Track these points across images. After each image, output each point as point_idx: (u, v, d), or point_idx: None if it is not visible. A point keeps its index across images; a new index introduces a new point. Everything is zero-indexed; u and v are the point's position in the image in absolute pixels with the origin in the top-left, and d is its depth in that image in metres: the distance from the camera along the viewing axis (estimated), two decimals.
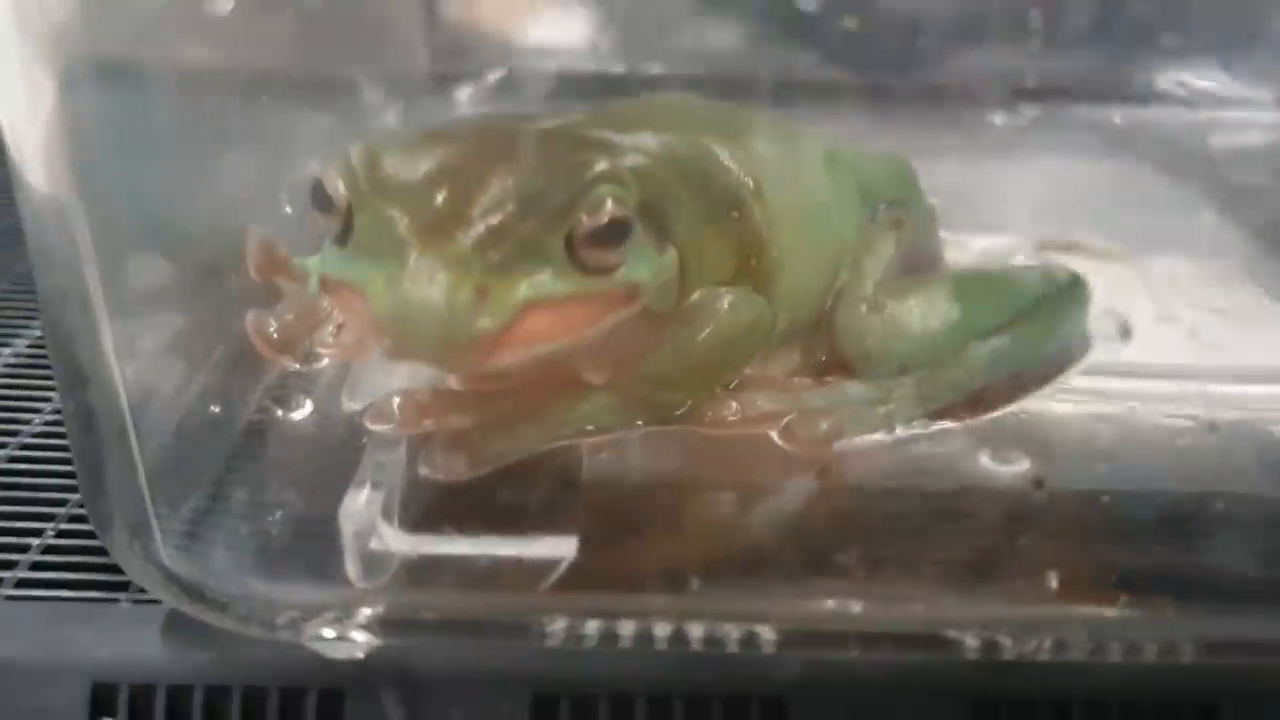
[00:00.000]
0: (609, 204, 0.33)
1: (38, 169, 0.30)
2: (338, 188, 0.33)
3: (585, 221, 0.33)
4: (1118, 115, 0.64)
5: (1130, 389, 0.41)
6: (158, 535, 0.30)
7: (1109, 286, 0.42)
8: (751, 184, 0.39)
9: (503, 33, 0.63)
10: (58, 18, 0.30)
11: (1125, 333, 0.39)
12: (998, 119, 0.62)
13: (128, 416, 0.31)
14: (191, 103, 0.40)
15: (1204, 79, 0.56)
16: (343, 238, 0.34)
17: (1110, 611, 0.31)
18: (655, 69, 0.64)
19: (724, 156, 0.39)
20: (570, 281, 0.33)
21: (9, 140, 0.30)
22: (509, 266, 0.32)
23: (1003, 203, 0.60)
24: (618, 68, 0.60)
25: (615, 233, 0.33)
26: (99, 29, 0.33)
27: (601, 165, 0.34)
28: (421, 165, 0.33)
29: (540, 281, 0.32)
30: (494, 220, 0.32)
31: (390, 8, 0.61)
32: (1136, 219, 0.59)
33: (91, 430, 0.30)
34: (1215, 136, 0.62)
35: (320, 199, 0.34)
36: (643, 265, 0.35)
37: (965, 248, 0.51)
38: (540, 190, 0.33)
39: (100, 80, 0.33)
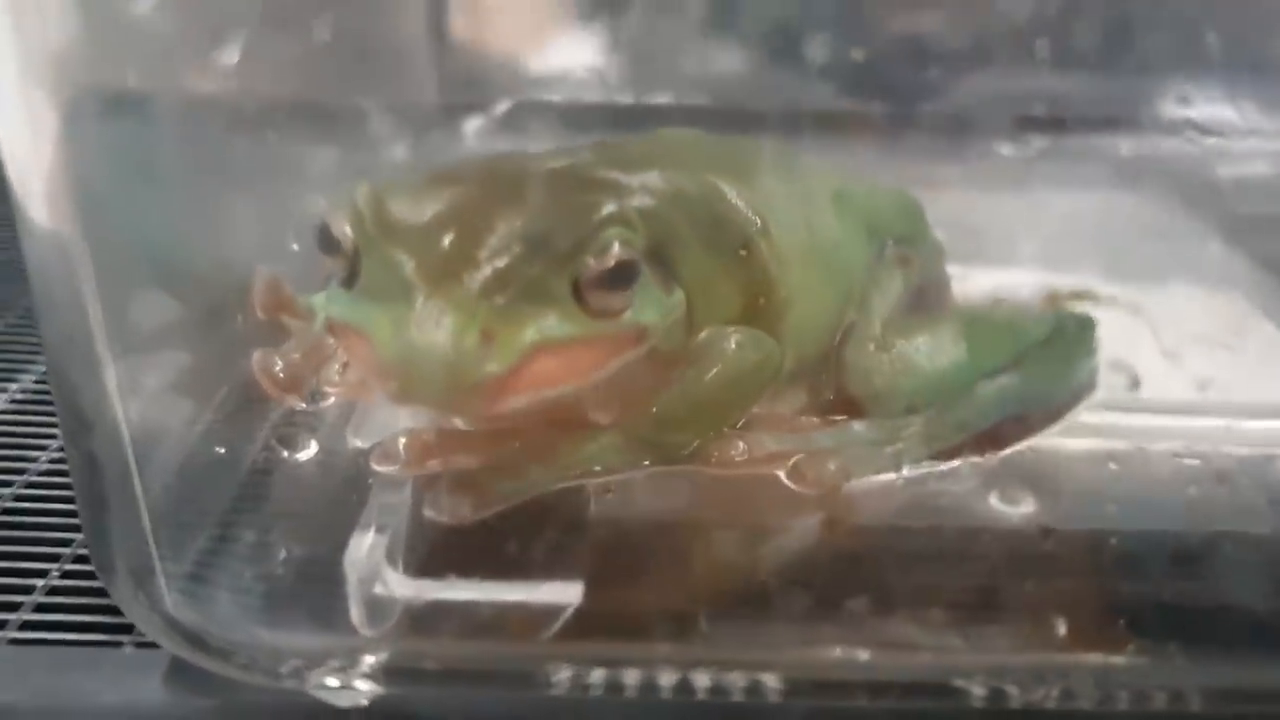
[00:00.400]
0: (616, 247, 0.33)
1: (40, 203, 0.30)
2: (344, 230, 0.33)
3: (592, 265, 0.33)
4: (1126, 145, 0.63)
5: (1138, 426, 0.41)
6: (161, 582, 0.30)
7: (1117, 336, 0.42)
8: (759, 222, 0.39)
9: (511, 63, 0.64)
10: (60, 46, 0.30)
11: (1134, 384, 0.39)
12: (1005, 149, 0.62)
13: (132, 460, 0.31)
14: (197, 135, 0.40)
15: (1212, 109, 0.56)
16: (349, 280, 0.34)
17: (1118, 659, 0.30)
18: (662, 99, 0.65)
19: (731, 195, 0.39)
20: (577, 324, 0.33)
21: (11, 173, 0.29)
22: (515, 310, 0.32)
23: (1010, 234, 0.60)
24: (625, 98, 0.60)
25: (622, 276, 0.33)
26: (101, 59, 0.33)
27: (608, 208, 0.34)
28: (427, 208, 0.33)
29: (547, 325, 0.32)
30: (500, 263, 0.32)
31: (399, 39, 0.62)
32: (1145, 250, 0.59)
33: (95, 475, 0.30)
34: (1223, 166, 0.61)
35: (326, 241, 0.34)
36: (650, 307, 0.34)
37: (973, 281, 0.51)
38: (547, 233, 0.33)
39: (104, 113, 0.33)
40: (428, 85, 0.64)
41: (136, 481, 0.31)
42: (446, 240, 0.32)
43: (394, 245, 0.32)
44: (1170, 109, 0.59)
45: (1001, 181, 0.63)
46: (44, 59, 0.30)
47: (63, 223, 0.30)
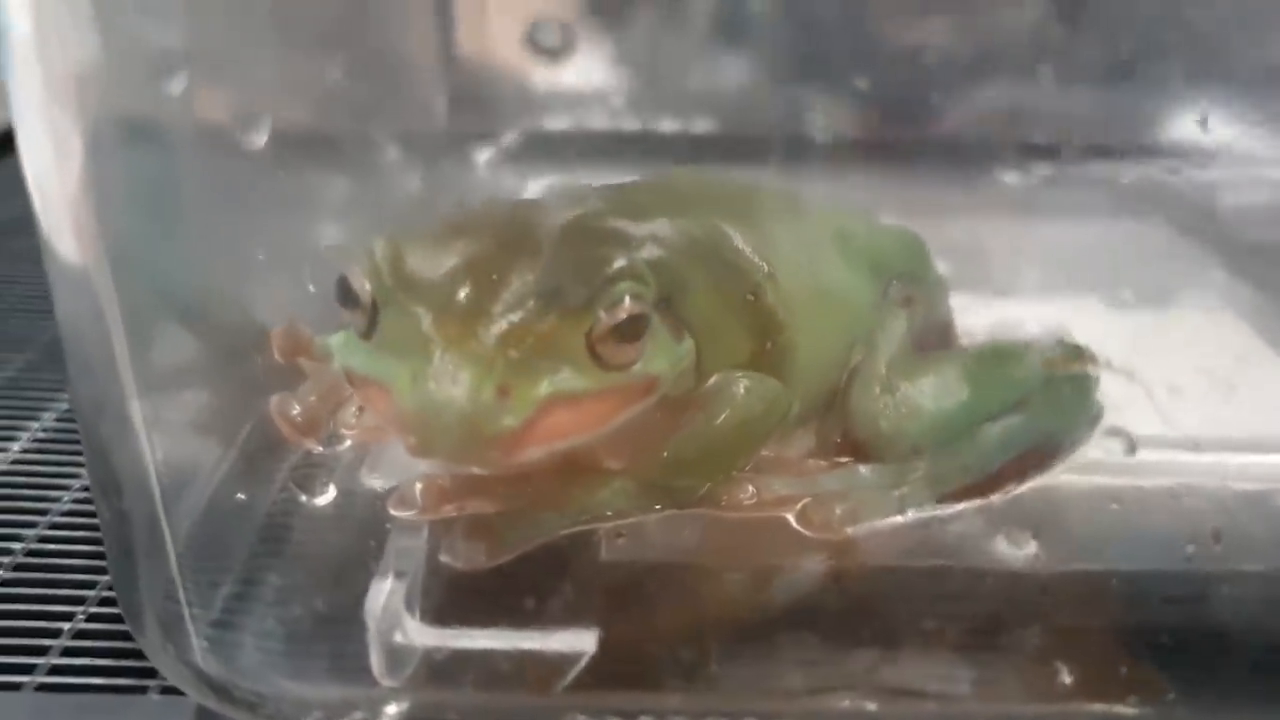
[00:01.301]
0: (627, 301, 0.34)
1: (67, 236, 0.30)
2: (362, 284, 0.34)
3: (604, 319, 0.33)
4: (1130, 173, 0.64)
5: (1142, 463, 0.42)
6: (190, 633, 0.31)
7: (1114, 400, 0.42)
8: (766, 267, 0.40)
9: (518, 92, 0.64)
10: (84, 76, 0.31)
11: (1131, 449, 0.39)
12: (1009, 177, 0.63)
13: (160, 509, 0.32)
14: (215, 167, 0.41)
15: (1216, 136, 0.57)
16: (368, 332, 0.34)
17: (1123, 709, 0.31)
18: (668, 126, 0.65)
19: (739, 240, 0.40)
20: (590, 377, 0.33)
21: (38, 206, 0.30)
22: (530, 364, 0.32)
23: (1014, 263, 0.61)
24: (631, 125, 0.61)
25: (633, 329, 0.34)
26: (123, 87, 0.33)
27: (619, 262, 0.34)
28: (444, 261, 0.34)
29: (561, 378, 0.33)
30: (515, 318, 0.33)
31: (409, 68, 0.63)
32: (1147, 277, 0.60)
33: (123, 525, 0.31)
34: (1227, 194, 0.62)
35: (345, 294, 0.35)
36: (661, 357, 0.35)
37: (977, 313, 0.52)
38: (560, 288, 0.33)
39: (126, 143, 0.34)
40: (437, 114, 0.65)
41: (166, 530, 0.32)
42: (462, 295, 0.33)
43: (412, 299, 0.33)
44: (1173, 135, 0.59)
45: (1005, 209, 0.64)
46: (69, 88, 0.30)
47: (89, 256, 0.30)
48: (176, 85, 0.37)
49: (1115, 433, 0.38)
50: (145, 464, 0.30)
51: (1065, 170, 0.64)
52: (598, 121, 0.59)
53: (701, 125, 0.67)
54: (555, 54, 0.38)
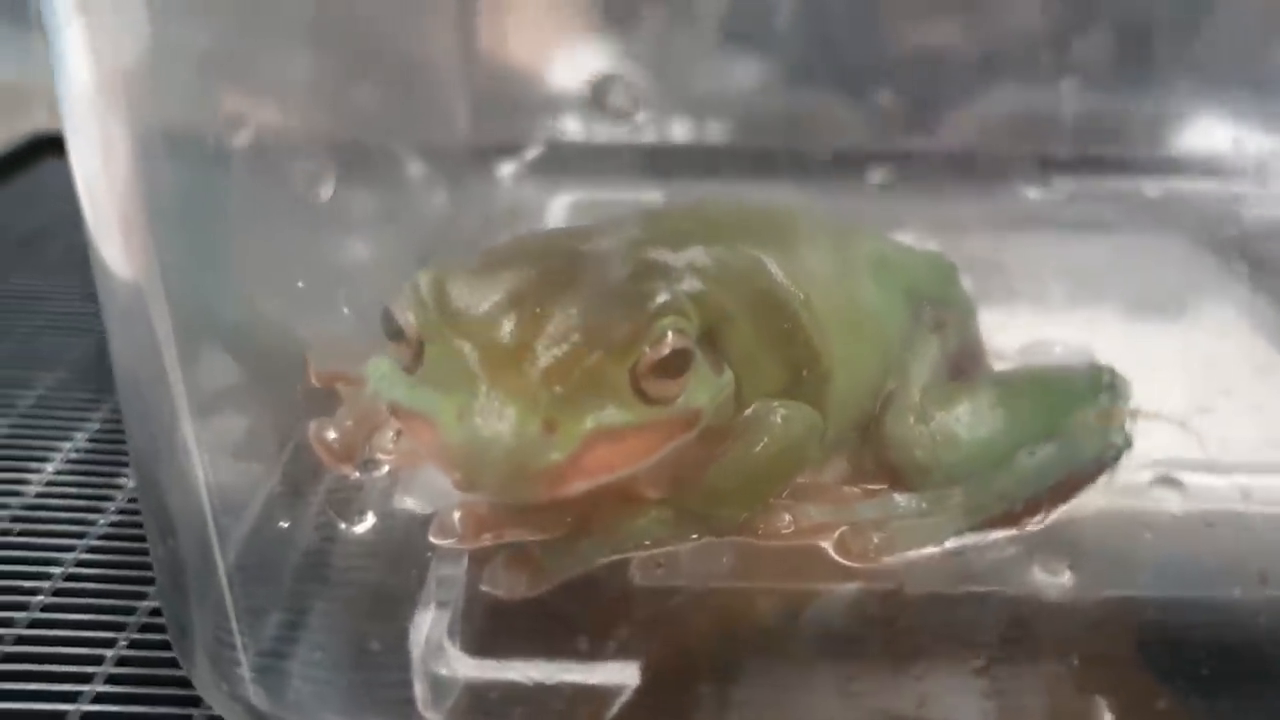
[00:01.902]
0: (670, 336, 0.34)
1: (117, 249, 0.30)
2: (407, 319, 0.35)
3: (648, 354, 0.34)
4: (1152, 188, 0.64)
5: (1178, 488, 0.42)
6: (243, 670, 0.31)
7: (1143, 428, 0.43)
8: (803, 295, 0.40)
9: (541, 106, 0.65)
10: (136, 88, 0.31)
11: (1186, 497, 0.40)
12: (1031, 192, 0.63)
13: (215, 540, 0.32)
14: (258, 183, 0.41)
15: (1238, 150, 0.57)
16: (413, 365, 0.35)
17: None
18: (687, 137, 0.66)
19: (775, 269, 0.40)
20: (634, 412, 0.34)
21: (89, 221, 0.30)
22: (575, 400, 0.33)
23: (1036, 279, 0.61)
24: (652, 137, 0.61)
25: (677, 363, 0.34)
26: (167, 97, 0.33)
27: (663, 296, 0.35)
28: (488, 295, 0.34)
29: (606, 414, 0.33)
30: (559, 354, 0.33)
31: (434, 85, 0.63)
32: (1170, 293, 0.60)
33: (182, 569, 0.31)
34: (1249, 208, 0.62)
35: (390, 328, 0.35)
36: (702, 390, 0.35)
37: (1000, 330, 0.52)
38: (604, 323, 0.34)
39: (173, 153, 0.34)
40: (461, 129, 0.65)
41: (220, 566, 0.32)
42: (507, 330, 0.33)
43: (456, 334, 0.34)
44: (1195, 150, 0.59)
45: (1026, 224, 0.64)
46: (120, 94, 0.30)
47: (140, 268, 0.30)
48: (219, 97, 0.37)
49: (1169, 482, 0.39)
50: (200, 493, 0.30)
51: (1087, 185, 0.64)
52: (620, 134, 0.59)
53: (718, 137, 0.67)
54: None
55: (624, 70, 0.54)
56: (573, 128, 0.62)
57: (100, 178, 0.29)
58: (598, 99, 0.38)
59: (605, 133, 0.57)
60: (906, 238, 0.54)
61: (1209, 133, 0.59)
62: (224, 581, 0.31)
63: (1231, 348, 0.58)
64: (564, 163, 0.63)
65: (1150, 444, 0.42)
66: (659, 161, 0.61)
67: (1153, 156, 0.63)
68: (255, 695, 0.31)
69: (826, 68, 0.60)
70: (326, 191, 0.38)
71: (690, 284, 0.37)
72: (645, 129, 0.60)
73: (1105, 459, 0.43)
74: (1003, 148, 0.61)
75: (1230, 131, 0.57)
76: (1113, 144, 0.63)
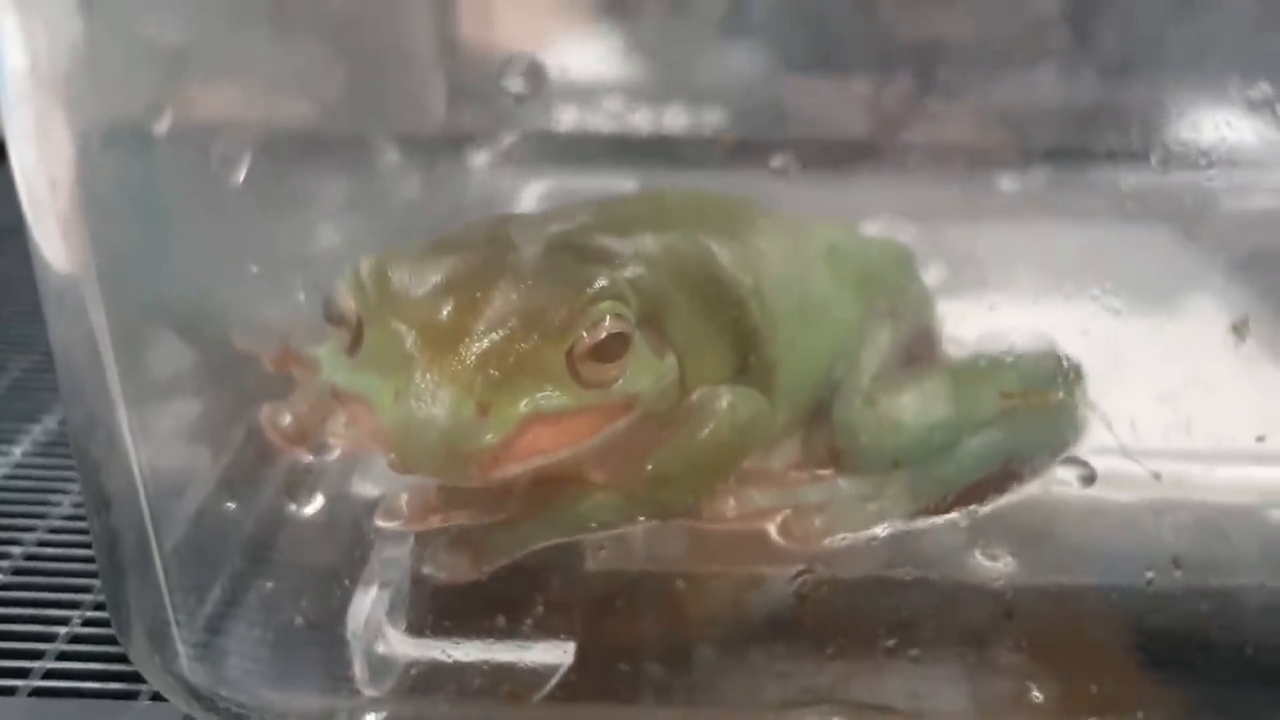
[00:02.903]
0: (608, 320, 0.34)
1: (56, 242, 0.31)
2: (348, 302, 0.35)
3: (585, 338, 0.34)
4: (1130, 178, 0.64)
5: (1124, 475, 0.42)
6: (177, 644, 0.31)
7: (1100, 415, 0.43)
8: (751, 283, 0.40)
9: (517, 92, 0.65)
10: (74, 75, 0.31)
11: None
12: (1005, 181, 0.63)
13: (149, 524, 0.32)
14: (209, 170, 0.41)
15: (1217, 140, 0.56)
16: (353, 349, 0.35)
17: None
18: (666, 127, 0.66)
19: (724, 256, 0.40)
20: (571, 395, 0.34)
21: (28, 211, 0.31)
22: (510, 383, 0.33)
23: (1008, 269, 0.61)
24: (630, 127, 0.61)
25: (615, 347, 0.34)
26: (112, 87, 0.34)
27: (601, 281, 0.35)
28: (428, 279, 0.35)
29: (541, 397, 0.33)
30: (496, 337, 0.33)
31: (406, 68, 0.63)
32: (1145, 284, 0.60)
33: (115, 542, 0.32)
34: (1228, 199, 0.62)
35: (332, 312, 0.35)
36: (642, 375, 0.36)
37: (968, 320, 0.52)
38: (541, 307, 0.34)
39: (114, 144, 0.34)
40: (434, 115, 0.65)
41: (153, 541, 0.32)
42: (444, 313, 0.34)
43: (395, 317, 0.34)
44: (1174, 139, 0.59)
45: (1000, 213, 0.64)
46: (58, 87, 0.30)
47: (78, 261, 0.31)
48: (167, 86, 0.37)
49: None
50: (134, 475, 0.31)
51: (1063, 174, 0.64)
52: (598, 123, 0.59)
53: (697, 127, 0.67)
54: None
55: (603, 57, 0.54)
56: (548, 115, 0.62)
57: (37, 170, 0.30)
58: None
59: (581, 120, 0.57)
60: (877, 226, 0.54)
61: (1191, 123, 0.59)
62: (158, 560, 0.31)
63: (1206, 338, 0.57)
64: (538, 151, 0.63)
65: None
66: (634, 150, 0.61)
67: (1132, 146, 0.63)
68: (191, 671, 0.31)
69: (806, 57, 0.60)
70: (240, 174, 0.38)
71: (633, 269, 0.37)
72: (622, 117, 0.60)
73: (1055, 446, 0.43)
74: (979, 137, 0.61)
75: (1212, 122, 0.57)
76: (1091, 133, 0.63)
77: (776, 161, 0.46)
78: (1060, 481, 0.41)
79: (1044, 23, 0.56)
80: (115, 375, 0.30)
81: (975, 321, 0.52)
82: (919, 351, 0.46)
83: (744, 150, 0.48)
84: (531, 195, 0.64)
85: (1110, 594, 0.36)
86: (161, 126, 0.34)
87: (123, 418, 0.30)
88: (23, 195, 0.29)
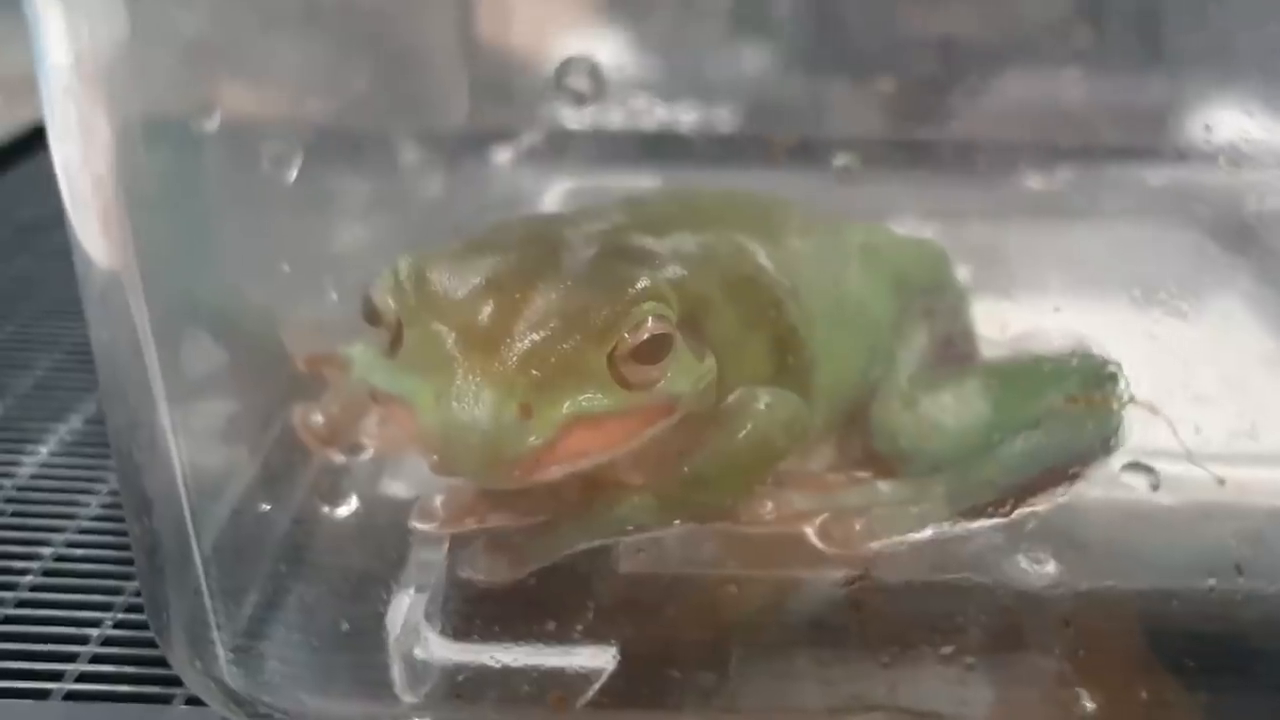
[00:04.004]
0: (650, 322, 0.34)
1: (99, 240, 0.30)
2: (387, 303, 0.34)
3: (627, 339, 0.34)
4: (1156, 177, 0.63)
5: (1168, 478, 0.41)
6: (218, 649, 0.31)
7: (1138, 418, 0.42)
8: (788, 283, 0.40)
9: (539, 90, 0.64)
10: (115, 71, 0.31)
11: (1155, 486, 0.39)
12: (1032, 180, 0.63)
13: (190, 526, 0.32)
14: (242, 167, 0.41)
15: (1246, 140, 0.56)
16: (391, 350, 0.35)
17: None
18: (687, 125, 0.65)
19: (761, 256, 0.40)
20: (613, 397, 0.34)
21: (70, 210, 0.30)
22: (552, 384, 0.33)
23: (1037, 269, 0.60)
24: (652, 124, 0.61)
25: (657, 349, 0.34)
26: (152, 83, 0.33)
27: (643, 282, 0.34)
28: (467, 280, 0.34)
29: (583, 399, 0.33)
30: (538, 339, 0.33)
31: (431, 68, 0.62)
32: (1174, 283, 0.59)
33: (156, 546, 0.31)
34: (1256, 198, 0.61)
35: (370, 312, 0.35)
36: (683, 376, 0.35)
37: (998, 320, 0.51)
38: (583, 308, 0.33)
39: (155, 140, 0.34)
40: (457, 113, 0.65)
41: (194, 543, 0.32)
42: (486, 315, 0.33)
43: (435, 319, 0.33)
44: (1200, 138, 0.59)
45: (1028, 213, 0.63)
46: (100, 81, 0.30)
47: (119, 256, 0.30)
48: (204, 82, 0.37)
49: (1139, 468, 0.38)
50: (176, 477, 0.30)
51: (1090, 173, 0.63)
52: (619, 120, 0.59)
53: (722, 126, 0.67)
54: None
55: (625, 55, 0.54)
56: (569, 113, 0.62)
57: (77, 161, 0.29)
58: (558, 81, 0.38)
59: (603, 119, 0.57)
60: (905, 225, 0.54)
61: (1216, 121, 0.59)
62: (199, 562, 0.31)
63: (1235, 338, 0.57)
64: (561, 149, 0.63)
65: (1144, 434, 0.41)
66: (657, 148, 0.60)
67: (1157, 145, 0.62)
68: (230, 675, 0.31)
69: (829, 55, 0.59)
70: (292, 173, 0.38)
71: (672, 269, 0.36)
72: (643, 115, 0.59)
73: (1096, 449, 0.42)
74: (1004, 135, 0.60)
75: (1238, 120, 0.56)
76: (1116, 132, 0.62)
77: (840, 160, 0.45)
78: (1124, 486, 0.40)
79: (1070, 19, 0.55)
80: (158, 376, 0.30)
81: (1038, 322, 0.52)
82: (956, 351, 0.46)
83: (803, 150, 0.48)
84: (560, 193, 0.64)
85: (1158, 599, 0.36)
86: (203, 123, 0.33)
87: (165, 419, 0.30)
88: (65, 193, 0.29)
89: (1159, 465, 0.38)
